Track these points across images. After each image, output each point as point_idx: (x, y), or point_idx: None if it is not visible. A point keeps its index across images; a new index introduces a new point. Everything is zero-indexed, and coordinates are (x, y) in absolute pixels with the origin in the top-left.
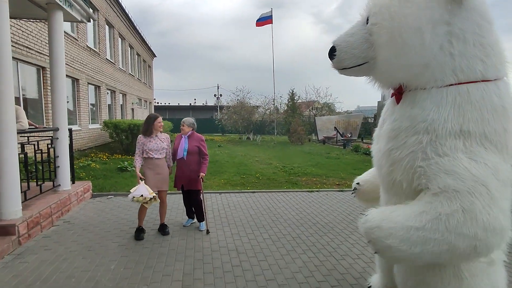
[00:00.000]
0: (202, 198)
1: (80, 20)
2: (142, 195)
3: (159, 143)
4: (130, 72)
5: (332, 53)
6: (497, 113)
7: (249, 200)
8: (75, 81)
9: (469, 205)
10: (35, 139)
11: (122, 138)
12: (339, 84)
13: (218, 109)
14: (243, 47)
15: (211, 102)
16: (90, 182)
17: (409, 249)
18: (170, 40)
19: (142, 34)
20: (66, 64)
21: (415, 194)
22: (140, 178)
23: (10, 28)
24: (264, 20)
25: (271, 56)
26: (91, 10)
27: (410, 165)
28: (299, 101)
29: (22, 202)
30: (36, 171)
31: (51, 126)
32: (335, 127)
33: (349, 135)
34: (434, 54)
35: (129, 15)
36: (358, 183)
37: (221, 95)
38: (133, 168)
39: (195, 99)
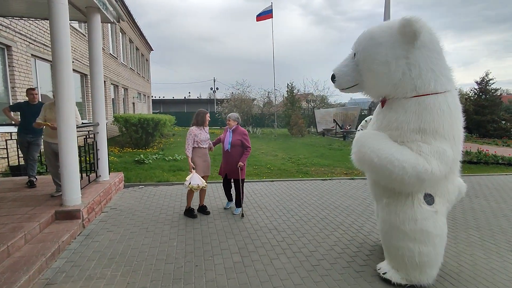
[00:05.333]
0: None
1: (112, 21)
2: (198, 184)
3: (207, 135)
4: (130, 66)
5: (333, 78)
6: (444, 115)
7: (270, 188)
8: (83, 76)
9: (417, 161)
10: (81, 134)
11: (132, 133)
12: (328, 76)
13: (215, 102)
14: (233, 39)
15: (205, 96)
16: (122, 173)
17: (373, 158)
18: (159, 32)
19: (140, 28)
20: (75, 59)
21: None
22: (192, 168)
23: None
24: (264, 15)
25: (260, 48)
26: (121, 12)
27: None
28: (298, 93)
29: None
30: (85, 163)
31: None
32: (334, 119)
33: (349, 127)
34: (399, 78)
35: (129, 8)
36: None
37: (217, 88)
38: (149, 161)
39: (189, 93)
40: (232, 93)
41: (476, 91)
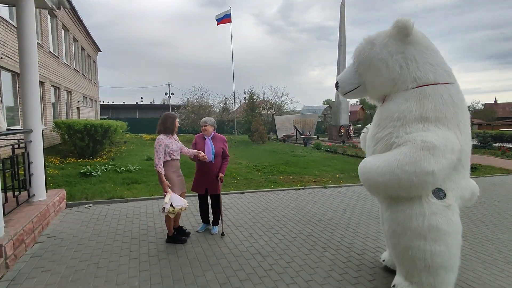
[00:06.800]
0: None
1: (51, 6)
2: (181, 206)
3: (178, 143)
4: (74, 67)
5: (337, 85)
6: (446, 103)
7: (241, 201)
8: (16, 75)
9: (414, 153)
10: (7, 143)
11: (77, 140)
12: (284, 84)
13: (170, 108)
14: (187, 45)
15: (159, 101)
16: (64, 190)
17: (376, 179)
18: (107, 34)
19: (86, 26)
20: (5, 55)
21: None
22: (168, 186)
23: None
24: (224, 19)
25: (216, 55)
26: None
27: (387, 141)
28: (258, 100)
29: None
30: (13, 179)
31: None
32: (294, 126)
33: (309, 133)
34: (397, 72)
35: (73, 4)
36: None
37: (172, 94)
38: (98, 173)
39: (141, 98)
40: (188, 98)
41: None
